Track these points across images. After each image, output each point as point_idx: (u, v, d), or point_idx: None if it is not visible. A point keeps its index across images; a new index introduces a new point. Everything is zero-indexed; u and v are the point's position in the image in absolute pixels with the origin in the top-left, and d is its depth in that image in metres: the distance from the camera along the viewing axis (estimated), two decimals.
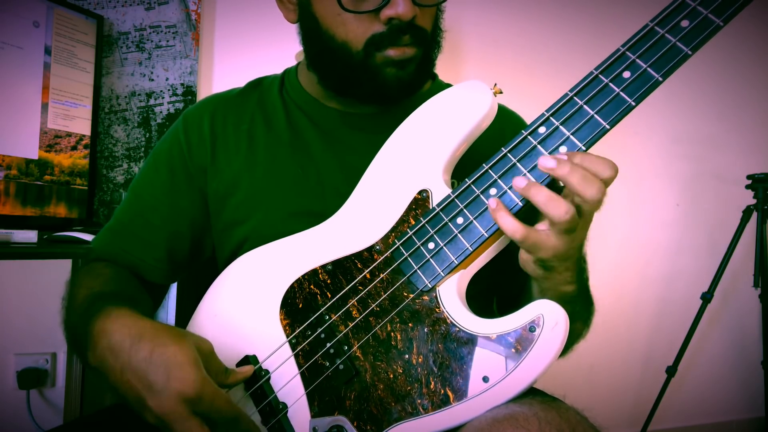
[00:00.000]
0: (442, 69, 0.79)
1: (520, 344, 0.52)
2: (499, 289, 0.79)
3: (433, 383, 0.55)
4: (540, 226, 0.54)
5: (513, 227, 0.53)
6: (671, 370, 1.71)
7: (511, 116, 0.81)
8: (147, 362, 0.52)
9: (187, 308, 0.71)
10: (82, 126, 1.29)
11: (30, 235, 1.07)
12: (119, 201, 1.40)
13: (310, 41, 0.72)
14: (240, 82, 0.84)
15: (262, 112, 0.78)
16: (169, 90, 1.46)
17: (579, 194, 0.52)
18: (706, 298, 1.70)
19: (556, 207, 0.52)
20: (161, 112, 1.45)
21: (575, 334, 0.67)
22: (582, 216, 0.54)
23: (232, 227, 0.74)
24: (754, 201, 1.72)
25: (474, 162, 0.59)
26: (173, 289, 1.01)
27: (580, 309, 0.64)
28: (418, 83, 0.71)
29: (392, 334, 0.58)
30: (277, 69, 0.86)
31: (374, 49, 0.65)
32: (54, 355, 1.41)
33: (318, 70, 0.73)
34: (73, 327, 0.65)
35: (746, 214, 1.74)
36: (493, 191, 0.56)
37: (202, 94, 1.50)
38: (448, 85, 0.75)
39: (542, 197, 0.52)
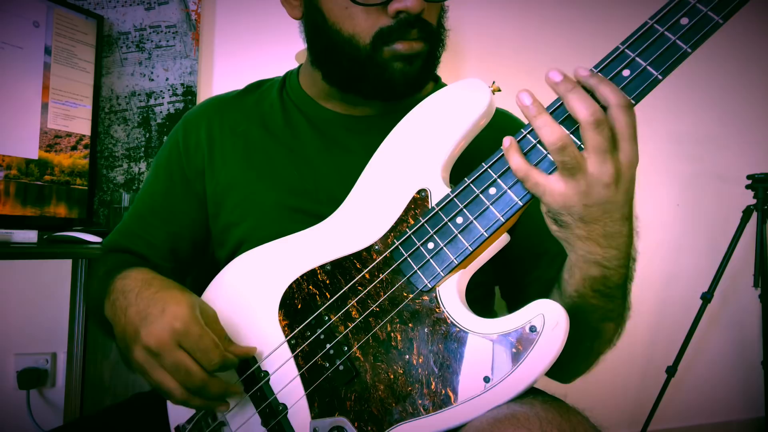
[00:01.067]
0: (442, 69, 0.79)
1: (520, 344, 0.52)
2: (503, 277, 0.78)
3: (433, 383, 0.54)
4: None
5: (517, 163, 0.53)
6: (671, 370, 1.71)
7: (508, 118, 0.81)
8: (149, 299, 0.57)
9: None
10: (82, 126, 1.29)
11: (30, 235, 1.08)
12: (119, 201, 1.40)
13: (316, 36, 0.71)
14: (240, 82, 0.84)
15: (259, 113, 0.78)
16: (169, 90, 1.46)
17: (573, 113, 0.50)
18: (706, 298, 1.70)
19: (550, 131, 0.50)
20: (161, 112, 1.45)
21: (606, 339, 0.63)
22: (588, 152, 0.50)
23: (228, 229, 0.75)
24: (754, 201, 1.72)
25: (475, 162, 0.59)
26: None
27: (615, 307, 0.60)
28: (424, 80, 0.71)
29: (392, 334, 0.58)
30: (277, 69, 0.86)
31: (382, 44, 0.65)
32: (54, 355, 1.41)
33: (322, 66, 0.73)
34: (94, 292, 0.69)
35: (746, 214, 1.73)
36: (492, 191, 0.56)
37: (202, 94, 1.50)
38: None
39: (540, 121, 0.50)
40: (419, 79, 0.69)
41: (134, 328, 0.56)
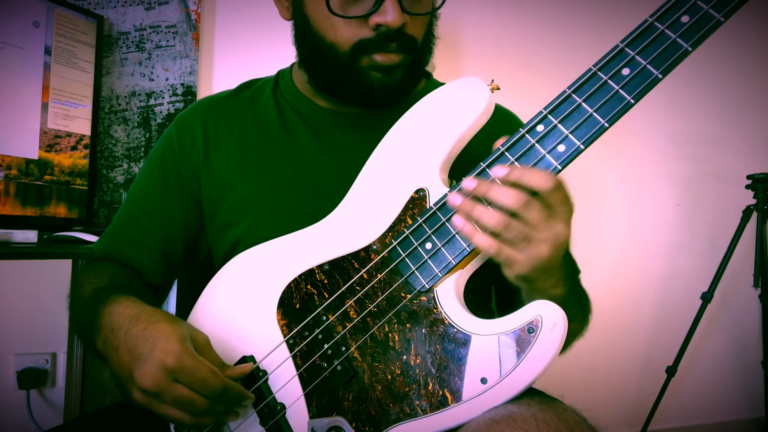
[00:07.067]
0: (442, 67, 0.79)
1: (518, 345, 0.51)
2: (497, 283, 0.79)
3: (431, 384, 0.54)
4: None
5: (488, 243, 0.53)
6: (671, 370, 1.71)
7: (505, 114, 0.81)
8: (138, 336, 0.55)
9: (186, 308, 0.71)
10: (82, 126, 1.29)
11: (30, 235, 1.08)
12: (119, 201, 1.40)
13: (302, 40, 0.73)
14: (240, 82, 0.84)
15: (254, 113, 0.78)
16: (169, 90, 1.46)
17: (502, 206, 0.52)
18: (706, 298, 1.70)
19: (489, 217, 0.52)
20: (161, 112, 1.45)
21: (571, 333, 0.66)
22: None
23: (225, 229, 0.74)
24: (754, 201, 1.72)
25: (466, 162, 0.59)
26: (173, 288, 1.01)
27: (573, 309, 0.63)
28: (406, 88, 0.71)
29: (390, 335, 0.58)
30: (277, 69, 0.86)
31: (361, 53, 0.66)
32: (54, 355, 1.41)
33: (307, 68, 0.74)
34: (80, 318, 0.68)
35: (746, 214, 1.73)
36: None
37: (202, 94, 1.50)
38: (443, 84, 0.75)
39: (477, 212, 0.53)
40: (399, 89, 0.69)
41: (127, 369, 0.54)
